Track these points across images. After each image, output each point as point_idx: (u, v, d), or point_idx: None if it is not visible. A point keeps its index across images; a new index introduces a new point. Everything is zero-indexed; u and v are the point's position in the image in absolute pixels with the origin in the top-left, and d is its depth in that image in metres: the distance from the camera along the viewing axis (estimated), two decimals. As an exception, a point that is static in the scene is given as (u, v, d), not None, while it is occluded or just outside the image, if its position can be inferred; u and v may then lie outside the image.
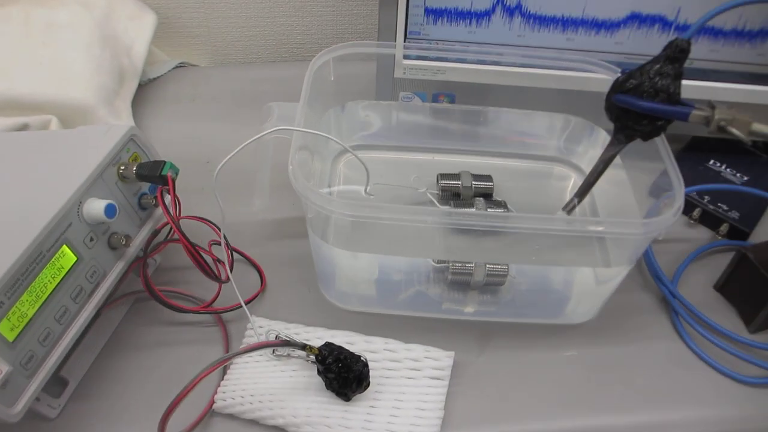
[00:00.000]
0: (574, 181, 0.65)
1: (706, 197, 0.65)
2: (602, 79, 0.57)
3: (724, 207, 0.64)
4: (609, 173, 0.51)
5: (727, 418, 0.51)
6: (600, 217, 0.60)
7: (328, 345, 0.45)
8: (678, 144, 0.73)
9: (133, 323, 0.54)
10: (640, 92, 0.46)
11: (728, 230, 0.63)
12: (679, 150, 0.72)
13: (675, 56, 0.45)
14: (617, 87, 0.47)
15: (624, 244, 0.50)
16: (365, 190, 0.52)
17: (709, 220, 0.65)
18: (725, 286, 0.59)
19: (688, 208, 0.65)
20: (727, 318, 0.57)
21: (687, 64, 0.65)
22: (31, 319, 0.42)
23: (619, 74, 0.49)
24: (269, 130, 0.44)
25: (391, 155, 0.65)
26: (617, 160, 0.51)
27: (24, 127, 0.64)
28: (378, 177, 0.62)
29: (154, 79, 0.80)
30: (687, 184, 0.48)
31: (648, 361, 0.54)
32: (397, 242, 0.49)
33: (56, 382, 0.49)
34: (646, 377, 0.53)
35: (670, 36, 0.62)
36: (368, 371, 0.46)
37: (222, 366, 0.42)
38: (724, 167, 0.69)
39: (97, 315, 0.52)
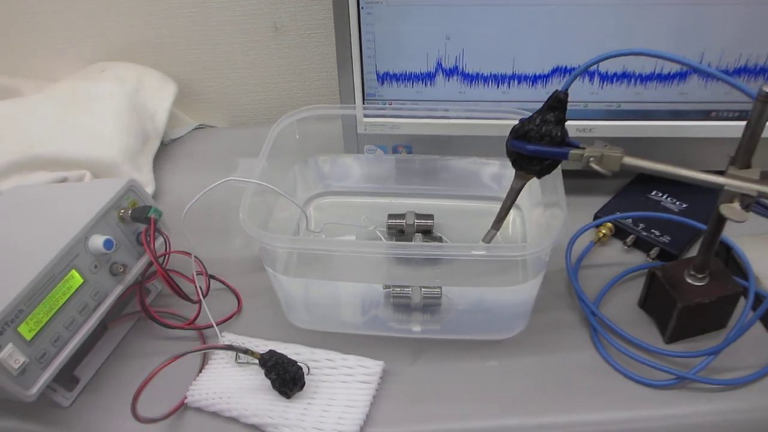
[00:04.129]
0: (511, 218, 0.73)
1: (641, 225, 0.72)
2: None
3: (657, 233, 0.71)
4: (545, 213, 0.61)
5: (636, 417, 0.57)
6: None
7: (271, 352, 0.56)
8: (626, 178, 0.80)
9: (136, 335, 0.66)
10: (528, 137, 0.53)
11: (659, 254, 0.70)
12: (626, 183, 0.80)
13: (554, 105, 0.52)
14: (513, 133, 0.55)
15: (534, 263, 0.59)
16: (306, 227, 0.63)
17: (642, 245, 0.72)
18: (645, 303, 0.65)
19: (622, 235, 0.73)
20: (648, 331, 0.63)
21: (614, 107, 0.74)
22: (45, 325, 0.55)
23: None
24: (221, 181, 0.56)
25: (353, 199, 0.77)
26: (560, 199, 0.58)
27: (63, 180, 0.80)
28: (338, 218, 0.74)
29: (177, 139, 0.95)
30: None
31: (564, 370, 0.60)
32: (336, 270, 0.59)
33: (70, 379, 0.62)
34: (561, 384, 0.59)
35: (593, 83, 0.71)
36: (302, 373, 0.56)
37: (176, 360, 0.53)
38: (665, 197, 0.76)
39: (106, 329, 0.65)
